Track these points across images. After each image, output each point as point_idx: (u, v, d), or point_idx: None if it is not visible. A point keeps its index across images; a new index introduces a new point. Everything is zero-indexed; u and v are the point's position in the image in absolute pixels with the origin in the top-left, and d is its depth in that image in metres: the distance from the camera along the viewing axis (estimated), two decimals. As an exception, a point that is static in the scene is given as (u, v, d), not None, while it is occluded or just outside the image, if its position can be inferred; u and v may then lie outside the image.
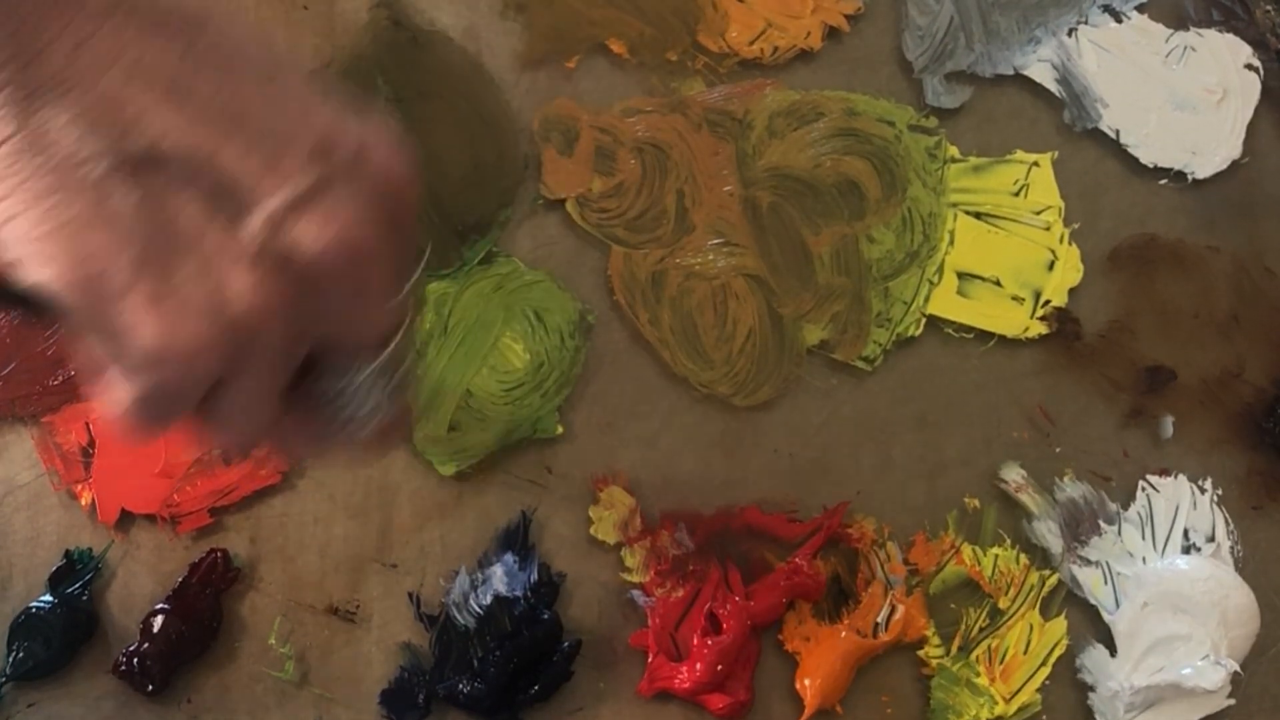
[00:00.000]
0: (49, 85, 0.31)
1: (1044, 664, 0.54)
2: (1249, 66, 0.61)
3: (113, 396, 0.34)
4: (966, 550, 0.55)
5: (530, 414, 0.56)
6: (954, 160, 0.60)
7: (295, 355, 0.36)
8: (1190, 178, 0.60)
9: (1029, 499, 0.56)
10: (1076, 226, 0.59)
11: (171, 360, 0.32)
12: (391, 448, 0.54)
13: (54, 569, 0.53)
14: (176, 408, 0.34)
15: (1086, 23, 0.62)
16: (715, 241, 0.58)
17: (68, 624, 0.52)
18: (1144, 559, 0.55)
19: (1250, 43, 0.62)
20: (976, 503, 0.56)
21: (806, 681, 0.53)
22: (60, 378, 0.55)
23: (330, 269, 0.33)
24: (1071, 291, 0.58)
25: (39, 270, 0.31)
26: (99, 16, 0.32)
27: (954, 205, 0.59)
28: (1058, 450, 0.57)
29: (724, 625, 0.53)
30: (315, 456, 0.50)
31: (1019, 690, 0.54)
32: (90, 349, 0.34)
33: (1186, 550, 0.56)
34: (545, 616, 0.53)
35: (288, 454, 0.50)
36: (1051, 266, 0.59)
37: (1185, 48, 0.62)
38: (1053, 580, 0.55)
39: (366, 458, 0.48)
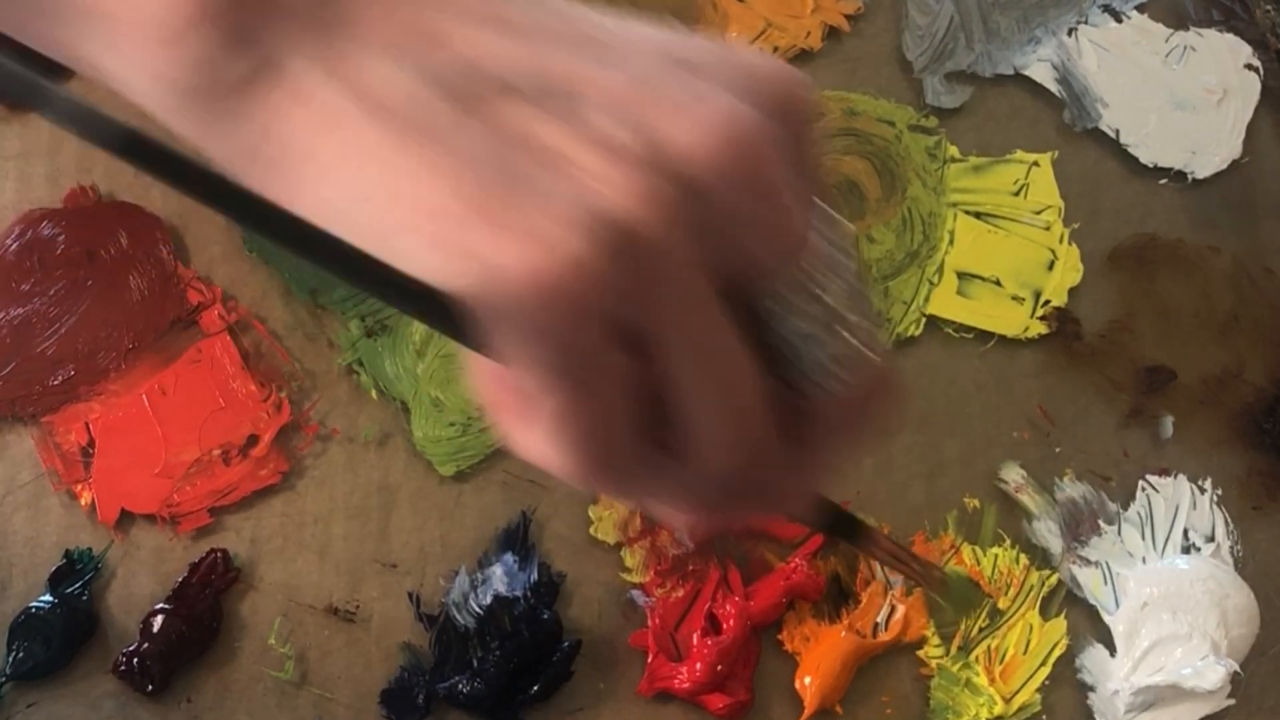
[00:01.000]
0: (365, 40, 0.27)
1: (1044, 664, 0.54)
2: (1249, 66, 0.61)
3: (541, 426, 0.28)
4: (966, 550, 0.55)
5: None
6: (954, 160, 0.60)
7: (714, 290, 0.28)
8: (1190, 178, 0.60)
9: (1029, 499, 0.56)
10: (1076, 226, 0.59)
11: (549, 290, 0.25)
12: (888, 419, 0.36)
13: (54, 569, 0.53)
14: (610, 395, 0.27)
15: (1086, 23, 0.62)
16: (715, 241, 0.58)
17: (68, 624, 0.52)
18: (1144, 559, 0.55)
19: (1250, 43, 0.62)
20: (976, 503, 0.56)
21: (806, 681, 0.53)
22: (60, 378, 0.55)
23: (718, 163, 0.27)
24: (1071, 291, 0.58)
25: (389, 236, 0.27)
26: None
27: (954, 205, 0.59)
28: (1058, 450, 0.57)
29: (724, 625, 0.53)
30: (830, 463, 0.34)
31: (1019, 690, 0.54)
32: (499, 378, 0.28)
33: (1186, 550, 0.56)
34: (545, 616, 0.53)
35: (781, 482, 0.33)
36: (1051, 266, 0.59)
37: (1185, 48, 0.62)
38: (1052, 580, 0.55)
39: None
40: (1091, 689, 0.54)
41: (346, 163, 0.27)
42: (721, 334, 0.28)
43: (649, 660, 0.53)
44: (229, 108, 0.27)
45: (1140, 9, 0.62)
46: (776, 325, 0.29)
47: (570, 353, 0.26)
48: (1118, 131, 0.60)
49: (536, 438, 0.28)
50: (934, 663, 0.54)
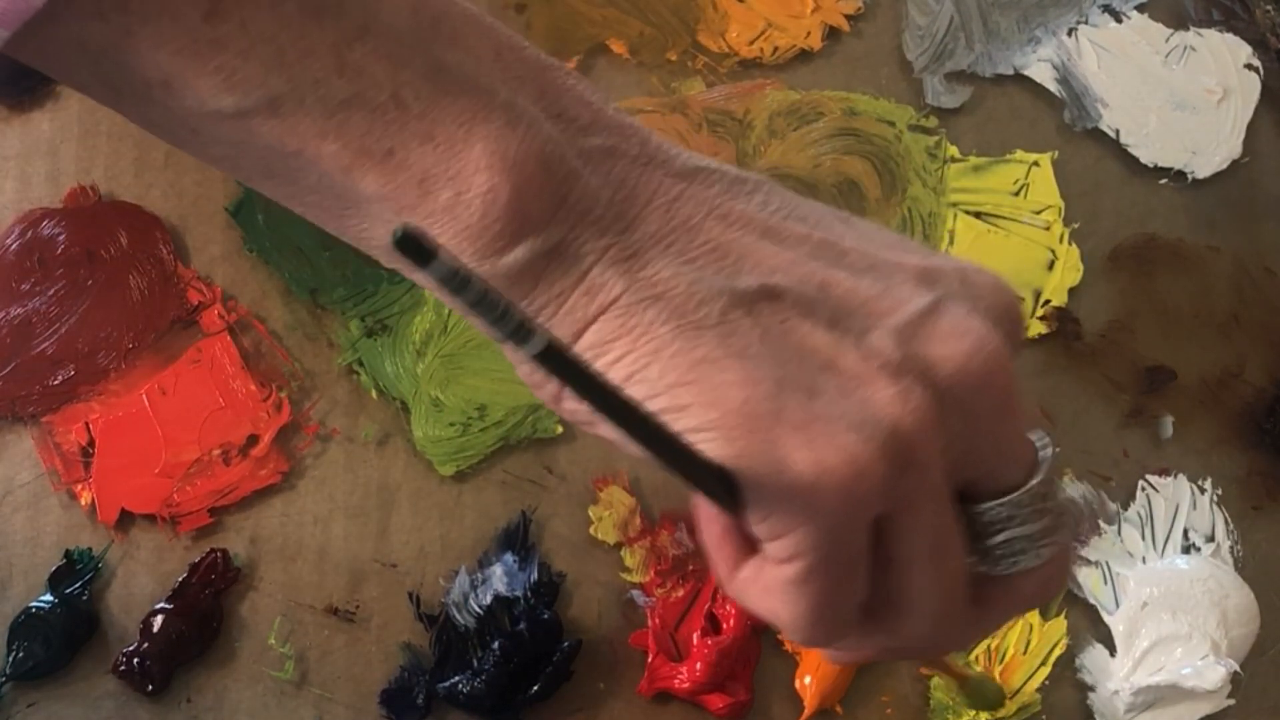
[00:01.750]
0: (651, 243, 0.31)
1: (1044, 664, 0.54)
2: (1249, 66, 0.61)
3: (779, 577, 0.32)
4: (966, 550, 0.55)
5: (532, 406, 0.56)
6: (954, 160, 0.60)
7: (950, 487, 0.33)
8: (1190, 178, 0.60)
9: (1029, 499, 0.56)
10: (1076, 226, 0.59)
11: (832, 487, 0.30)
12: (1055, 595, 0.51)
13: (54, 569, 0.53)
14: (852, 567, 0.32)
15: (1086, 23, 0.62)
16: (715, 241, 0.58)
17: (68, 624, 0.52)
18: (1144, 559, 0.55)
19: (1250, 43, 0.62)
20: (976, 503, 0.56)
21: (806, 681, 0.53)
22: (60, 378, 0.55)
23: (972, 383, 0.32)
24: (1071, 291, 0.58)
25: (680, 418, 0.30)
26: (683, 178, 0.32)
27: (954, 205, 0.59)
28: (1058, 450, 0.57)
29: (724, 625, 0.53)
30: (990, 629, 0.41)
31: (1019, 690, 0.54)
32: (734, 531, 0.32)
33: (1186, 550, 0.56)
34: (545, 616, 0.53)
35: (962, 634, 0.38)
36: (1051, 266, 0.59)
37: (1185, 48, 0.62)
38: (1053, 580, 0.55)
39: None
40: (1091, 689, 0.54)
41: (649, 363, 0.31)
42: (949, 527, 0.33)
43: (649, 660, 0.53)
44: (522, 290, 0.31)
45: (1140, 9, 0.62)
46: (987, 514, 0.34)
47: (834, 532, 0.31)
48: (1118, 131, 0.60)
49: (764, 590, 0.32)
50: (934, 663, 0.54)
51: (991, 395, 0.32)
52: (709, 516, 0.33)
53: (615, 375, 0.31)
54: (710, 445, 0.30)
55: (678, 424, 0.30)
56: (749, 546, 0.33)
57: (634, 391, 0.31)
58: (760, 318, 0.31)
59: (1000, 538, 0.34)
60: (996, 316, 0.33)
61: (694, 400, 0.30)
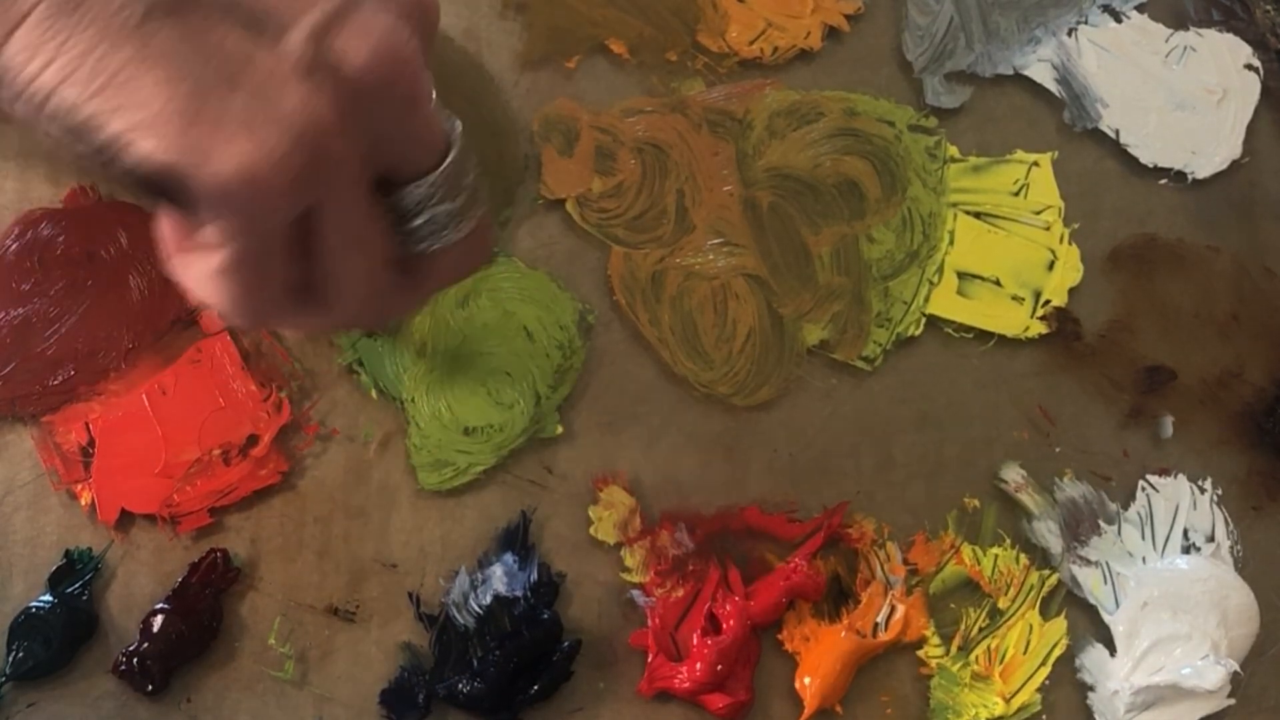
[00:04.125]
0: None
1: (1044, 664, 0.54)
2: (1249, 66, 0.61)
3: (207, 265, 0.35)
4: (966, 550, 0.55)
5: (528, 423, 0.56)
6: (954, 160, 0.60)
7: (367, 177, 0.36)
8: (1190, 178, 0.60)
9: (1029, 499, 0.56)
10: (1076, 226, 0.59)
11: (252, 183, 0.33)
12: (481, 265, 0.53)
13: (54, 569, 0.53)
14: (272, 255, 0.35)
15: (1086, 23, 0.62)
16: (715, 241, 0.58)
17: (68, 624, 0.52)
18: (1144, 559, 0.55)
19: (1250, 43, 0.62)
20: (976, 503, 0.56)
21: (806, 681, 0.53)
22: (60, 378, 0.55)
23: (379, 78, 0.34)
24: (1071, 291, 0.58)
25: (112, 119, 0.32)
26: None
27: (954, 205, 0.59)
28: (1058, 450, 0.57)
29: (724, 625, 0.53)
30: (415, 301, 0.46)
31: (1019, 690, 0.54)
32: (174, 220, 0.35)
33: (1186, 550, 0.56)
34: (545, 616, 0.53)
35: (393, 307, 0.45)
36: (1051, 266, 0.59)
37: (1185, 48, 0.62)
38: (1053, 580, 0.55)
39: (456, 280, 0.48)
40: (1091, 689, 0.54)
41: (77, 67, 0.32)
42: (368, 214, 0.36)
43: (649, 660, 0.53)
44: None
45: (1140, 9, 0.62)
46: (411, 208, 0.38)
47: (255, 221, 0.34)
48: (1118, 131, 0.60)
49: (204, 275, 0.36)
50: (934, 662, 0.54)
51: (399, 87, 0.35)
52: (160, 212, 0.36)
53: (47, 81, 0.33)
54: (142, 144, 0.33)
55: (112, 125, 0.33)
56: (188, 234, 0.36)
57: (68, 95, 0.33)
58: (181, 20, 0.33)
59: (421, 219, 0.38)
60: (407, 12, 0.36)
61: (123, 102, 0.32)
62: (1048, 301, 0.58)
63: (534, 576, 0.54)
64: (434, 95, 0.38)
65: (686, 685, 0.53)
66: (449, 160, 0.38)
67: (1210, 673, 0.52)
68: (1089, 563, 0.55)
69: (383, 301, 0.40)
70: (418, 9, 0.37)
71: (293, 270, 0.37)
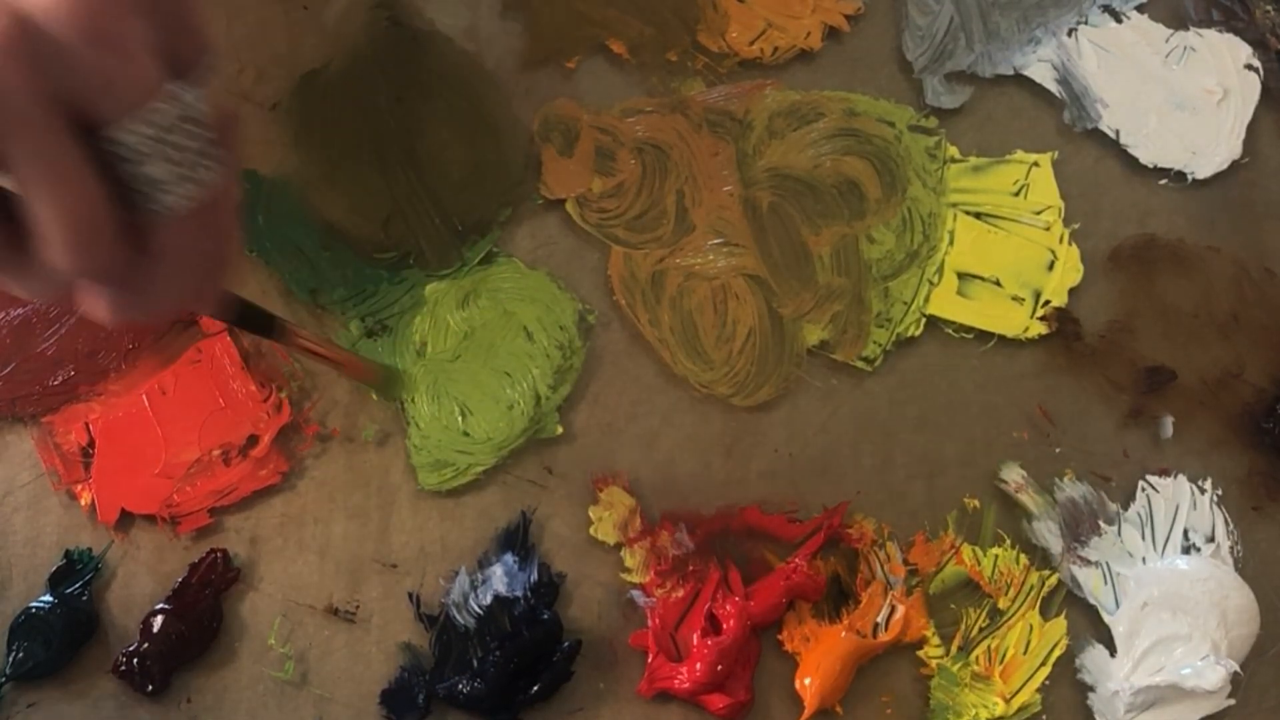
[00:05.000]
0: None
1: (1044, 664, 0.54)
2: (1249, 66, 0.61)
3: None
4: (966, 550, 0.55)
5: (528, 423, 0.56)
6: (954, 160, 0.60)
7: (62, 118, 0.34)
8: (1190, 178, 0.60)
9: (1029, 499, 0.56)
10: (1076, 226, 0.59)
11: None
12: (225, 244, 0.41)
13: (54, 569, 0.53)
14: None
15: (1086, 23, 0.62)
16: (715, 241, 0.58)
17: (68, 624, 0.52)
18: (1144, 559, 0.55)
19: (1250, 43, 0.62)
20: (976, 503, 0.56)
21: (806, 681, 0.53)
22: (60, 378, 0.55)
23: (57, 11, 0.33)
24: (1071, 291, 0.58)
25: None
26: None
27: (954, 205, 0.59)
28: (1058, 450, 0.57)
29: (724, 625, 0.53)
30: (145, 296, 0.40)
31: (1019, 690, 0.54)
32: None
33: (1186, 550, 0.56)
34: (545, 616, 0.53)
35: (137, 289, 0.39)
36: (1051, 266, 0.59)
37: (1185, 48, 0.62)
38: (1053, 580, 0.55)
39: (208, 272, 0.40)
40: (1091, 689, 0.54)
41: None
42: (63, 154, 0.34)
43: (649, 660, 0.53)
44: None
45: (1140, 9, 0.62)
46: (126, 157, 0.35)
47: None
48: (1118, 131, 0.60)
49: None
50: (934, 662, 0.54)
51: (78, 20, 0.33)
52: None
53: None
54: None
55: None
56: None
57: None
58: None
59: (136, 170, 0.35)
60: None
61: None
62: (1048, 302, 0.58)
63: (534, 577, 0.54)
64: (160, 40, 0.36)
65: (686, 685, 0.53)
66: (157, 107, 0.35)
67: (1210, 673, 0.52)
68: (1089, 563, 0.55)
69: (113, 273, 0.37)
70: None
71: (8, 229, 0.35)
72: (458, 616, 0.53)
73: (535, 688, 0.52)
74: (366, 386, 0.55)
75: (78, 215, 0.35)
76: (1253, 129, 0.61)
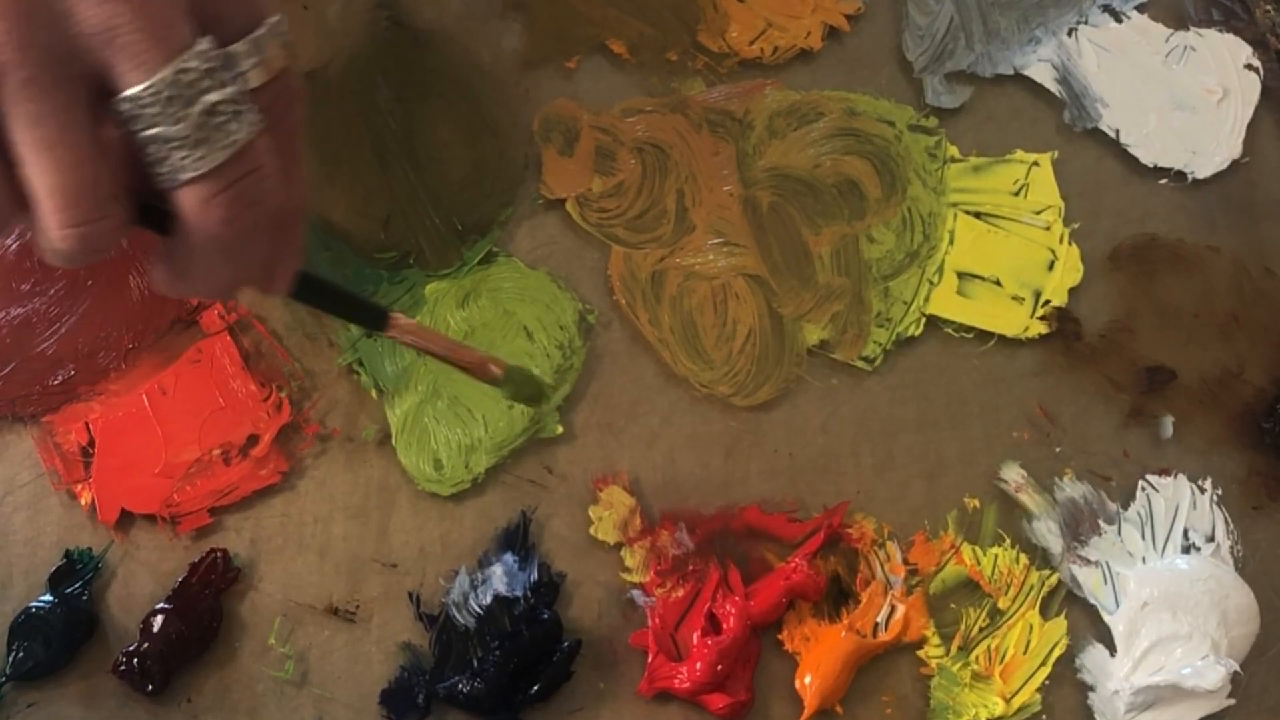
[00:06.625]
0: None
1: (1044, 664, 0.54)
2: (1249, 66, 0.61)
3: None
4: (966, 550, 0.55)
5: (528, 423, 0.56)
6: (954, 160, 0.60)
7: (62, 80, 0.34)
8: (1190, 178, 0.60)
9: (1029, 499, 0.56)
10: (1076, 226, 0.59)
11: None
12: (234, 221, 0.37)
13: (54, 569, 0.53)
14: None
15: (1086, 23, 0.62)
16: (715, 241, 0.58)
17: (68, 624, 0.52)
18: (1144, 559, 0.55)
19: (1250, 43, 0.62)
20: (976, 503, 0.56)
21: (806, 681, 0.53)
22: (60, 378, 0.55)
23: None
24: (1071, 291, 0.58)
25: None
26: None
27: (954, 205, 0.59)
28: (1058, 450, 0.57)
29: (724, 625, 0.53)
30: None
31: (1019, 690, 0.54)
32: None
33: (1186, 550, 0.56)
34: (545, 616, 0.53)
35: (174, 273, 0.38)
36: (1051, 266, 0.59)
37: (1185, 48, 0.62)
38: (1053, 580, 0.55)
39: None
40: (1091, 689, 0.54)
41: None
42: (55, 117, 0.33)
43: (649, 660, 0.53)
44: None
45: (1140, 9, 0.62)
46: (136, 116, 0.34)
47: None
48: (1118, 131, 0.60)
49: None
50: (934, 662, 0.54)
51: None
52: None
53: None
54: None
55: None
56: None
57: None
58: None
59: (143, 135, 0.34)
60: None
61: None
62: (1048, 301, 0.58)
63: (534, 576, 0.54)
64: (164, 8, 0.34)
65: (686, 685, 0.53)
66: (159, 75, 0.34)
67: (1210, 673, 0.52)
68: (1089, 563, 0.55)
69: (102, 237, 0.35)
70: None
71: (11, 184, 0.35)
72: (458, 616, 0.53)
73: (535, 687, 0.52)
74: (505, 395, 0.51)
75: (73, 181, 0.34)
76: (1253, 129, 0.61)
